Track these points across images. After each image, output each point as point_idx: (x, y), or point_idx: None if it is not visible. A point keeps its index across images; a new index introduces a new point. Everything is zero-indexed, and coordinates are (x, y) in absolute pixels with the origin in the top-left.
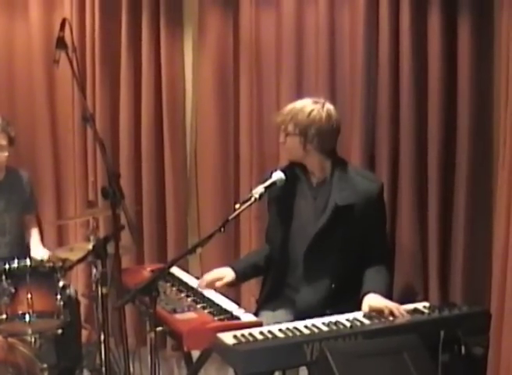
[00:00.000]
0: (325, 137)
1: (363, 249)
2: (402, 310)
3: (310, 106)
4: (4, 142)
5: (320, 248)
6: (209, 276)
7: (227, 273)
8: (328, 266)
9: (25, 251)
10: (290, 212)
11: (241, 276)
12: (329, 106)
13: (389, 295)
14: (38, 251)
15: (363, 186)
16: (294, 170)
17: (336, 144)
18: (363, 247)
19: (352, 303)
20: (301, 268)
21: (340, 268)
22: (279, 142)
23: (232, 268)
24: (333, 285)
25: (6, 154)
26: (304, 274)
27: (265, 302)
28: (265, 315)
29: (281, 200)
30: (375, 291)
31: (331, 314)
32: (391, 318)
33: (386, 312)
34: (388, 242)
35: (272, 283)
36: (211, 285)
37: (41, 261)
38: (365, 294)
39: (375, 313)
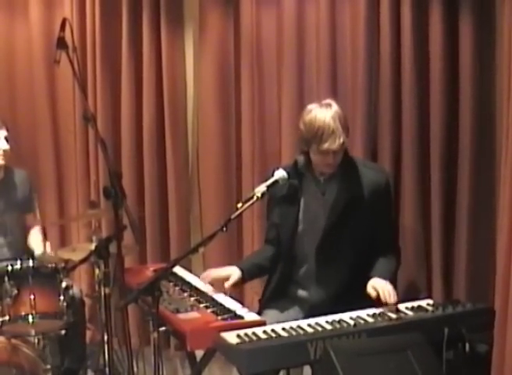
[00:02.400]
0: None
1: (373, 240)
2: (393, 297)
3: (332, 109)
4: (6, 134)
5: (332, 242)
6: (215, 273)
7: (233, 272)
8: (341, 260)
9: (28, 251)
10: (297, 210)
11: (247, 276)
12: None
13: (393, 283)
14: (39, 245)
15: (370, 177)
16: (298, 168)
17: None
18: (373, 240)
19: (365, 298)
20: (312, 264)
21: (353, 261)
22: (327, 164)
23: (238, 267)
24: (347, 282)
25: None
26: (316, 270)
27: (270, 301)
28: (271, 314)
29: (287, 199)
30: (380, 276)
31: (344, 310)
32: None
33: (381, 293)
34: (396, 231)
35: (277, 282)
36: (216, 282)
37: (43, 263)
38: (371, 277)
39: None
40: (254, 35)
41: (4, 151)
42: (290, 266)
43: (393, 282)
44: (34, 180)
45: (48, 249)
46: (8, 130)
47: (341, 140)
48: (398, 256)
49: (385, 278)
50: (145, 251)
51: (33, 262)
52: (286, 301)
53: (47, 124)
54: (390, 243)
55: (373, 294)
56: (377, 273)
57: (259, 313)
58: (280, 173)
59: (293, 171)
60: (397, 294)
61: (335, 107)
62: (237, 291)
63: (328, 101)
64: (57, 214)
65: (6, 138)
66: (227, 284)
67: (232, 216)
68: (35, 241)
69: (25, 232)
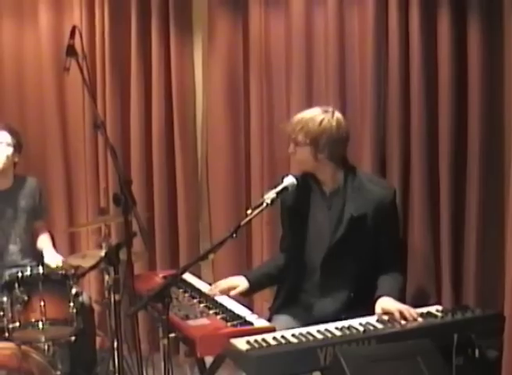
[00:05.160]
0: (335, 145)
1: (377, 256)
2: (414, 313)
3: (320, 115)
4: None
5: (336, 256)
6: (223, 284)
7: (241, 283)
8: (346, 275)
9: (37, 258)
10: (306, 221)
11: (255, 286)
12: (338, 115)
13: (402, 300)
14: (51, 257)
15: (376, 193)
16: (307, 180)
17: (345, 152)
18: (377, 253)
19: (369, 311)
20: (318, 276)
21: (357, 276)
22: (289, 152)
23: (246, 277)
24: (352, 294)
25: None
26: (321, 283)
27: (281, 308)
28: (282, 319)
29: (296, 209)
30: (388, 295)
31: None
32: (403, 322)
33: (397, 315)
34: (402, 248)
35: (288, 290)
36: (223, 293)
37: (55, 268)
38: (378, 297)
39: (388, 316)
40: (262, 42)
41: None
42: (300, 275)
43: (401, 300)
44: (45, 188)
45: (59, 260)
46: (13, 136)
47: (287, 129)
48: (404, 272)
49: (393, 297)
50: (155, 258)
51: (43, 269)
52: (297, 309)
53: (56, 131)
54: (395, 259)
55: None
56: (384, 292)
57: (269, 320)
58: (289, 180)
59: (302, 181)
60: (406, 301)
61: (321, 116)
62: (246, 297)
63: (333, 109)
64: (66, 221)
65: (6, 143)
66: (232, 293)
67: (242, 223)
68: (46, 248)
69: (34, 238)
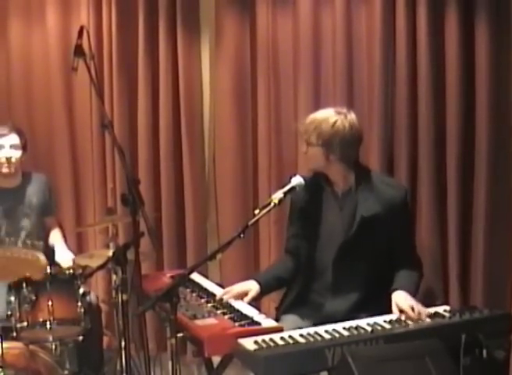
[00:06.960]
0: (348, 147)
1: (391, 256)
2: (424, 314)
3: (333, 117)
4: (17, 141)
5: (348, 256)
6: (234, 290)
7: (252, 287)
8: (357, 275)
9: (48, 255)
10: (317, 221)
11: (265, 289)
12: (352, 116)
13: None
14: (63, 254)
15: (387, 194)
16: (318, 180)
17: (358, 153)
18: (391, 254)
19: (380, 312)
20: (330, 276)
21: (369, 277)
22: (301, 151)
23: (257, 281)
24: (363, 294)
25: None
26: (333, 282)
27: (290, 308)
28: (291, 319)
29: (307, 210)
30: (402, 288)
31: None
32: (411, 322)
33: (410, 313)
34: (416, 247)
35: (298, 290)
36: (236, 298)
37: (65, 268)
38: (393, 291)
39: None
40: (270, 42)
41: (7, 158)
42: (310, 276)
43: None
44: (53, 184)
45: (70, 258)
46: (21, 136)
47: (300, 129)
48: (420, 269)
49: (408, 291)
50: (162, 258)
51: (51, 269)
52: (305, 308)
53: (64, 131)
54: (410, 257)
55: (401, 315)
56: (400, 286)
57: (276, 320)
58: (297, 180)
59: (313, 182)
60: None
61: (334, 118)
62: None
63: (346, 111)
64: (74, 221)
65: (16, 145)
66: (246, 300)
67: (250, 223)
68: (57, 245)
69: (45, 235)
